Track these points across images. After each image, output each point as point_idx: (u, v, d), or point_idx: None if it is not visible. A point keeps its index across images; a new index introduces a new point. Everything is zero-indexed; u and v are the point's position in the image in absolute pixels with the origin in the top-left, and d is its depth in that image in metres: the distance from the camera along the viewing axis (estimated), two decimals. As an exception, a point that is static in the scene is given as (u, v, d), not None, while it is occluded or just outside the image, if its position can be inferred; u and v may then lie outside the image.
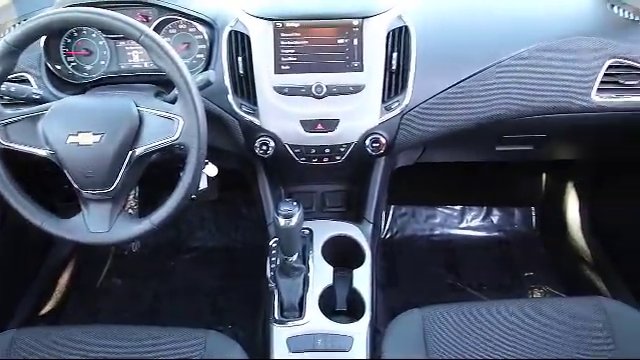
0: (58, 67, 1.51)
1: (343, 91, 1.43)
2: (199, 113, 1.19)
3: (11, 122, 1.22)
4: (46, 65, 1.48)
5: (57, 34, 1.50)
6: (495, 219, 2.57)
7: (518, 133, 1.66)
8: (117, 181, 1.22)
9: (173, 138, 1.20)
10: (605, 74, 1.47)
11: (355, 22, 1.41)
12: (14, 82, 1.38)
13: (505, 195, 2.57)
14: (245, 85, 1.46)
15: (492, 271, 2.37)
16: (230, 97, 1.46)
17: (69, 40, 1.52)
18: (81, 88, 1.51)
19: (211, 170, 1.44)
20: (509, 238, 2.54)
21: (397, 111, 1.46)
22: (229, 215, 2.53)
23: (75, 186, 1.24)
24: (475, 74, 1.46)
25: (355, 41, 1.42)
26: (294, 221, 1.29)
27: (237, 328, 2.10)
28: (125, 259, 2.48)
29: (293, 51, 1.43)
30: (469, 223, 2.58)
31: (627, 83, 1.48)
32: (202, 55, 1.52)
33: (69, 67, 1.53)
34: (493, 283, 2.31)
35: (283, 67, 1.44)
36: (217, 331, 1.34)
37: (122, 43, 1.53)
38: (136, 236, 1.27)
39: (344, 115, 1.45)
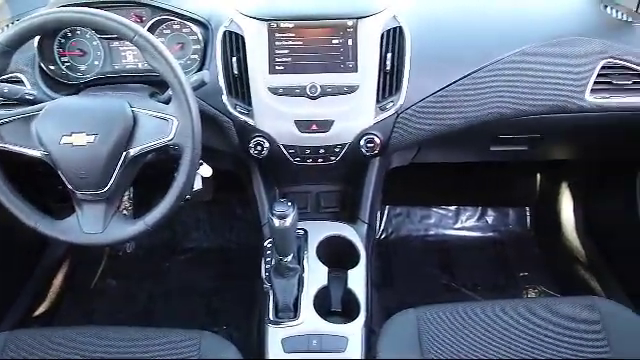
0: (52, 67, 1.50)
1: (337, 91, 1.43)
2: (193, 113, 1.19)
3: (4, 123, 1.21)
4: (40, 65, 1.47)
5: (51, 34, 1.50)
6: (490, 219, 2.58)
7: (512, 133, 1.67)
8: (111, 182, 1.22)
9: (167, 139, 1.19)
10: (599, 74, 1.48)
11: (349, 23, 1.41)
12: (7, 82, 1.37)
13: (500, 195, 2.57)
14: (239, 85, 1.46)
15: (487, 271, 2.38)
16: (224, 97, 1.46)
17: (63, 40, 1.52)
18: (75, 88, 1.51)
19: (205, 171, 1.44)
20: (504, 238, 2.54)
21: (391, 111, 1.46)
22: (224, 216, 2.53)
23: (69, 187, 1.24)
24: (469, 74, 1.47)
25: (349, 41, 1.42)
26: (289, 222, 1.29)
27: (232, 329, 2.10)
28: (120, 260, 2.47)
29: (287, 51, 1.43)
30: (464, 223, 2.58)
31: (620, 83, 1.49)
32: (196, 55, 1.52)
33: (63, 67, 1.53)
34: (488, 283, 2.32)
35: (277, 67, 1.43)
36: (212, 332, 1.34)
37: (116, 43, 1.53)
38: (130, 237, 1.26)
39: (338, 115, 1.45)
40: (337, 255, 1.57)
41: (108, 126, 1.19)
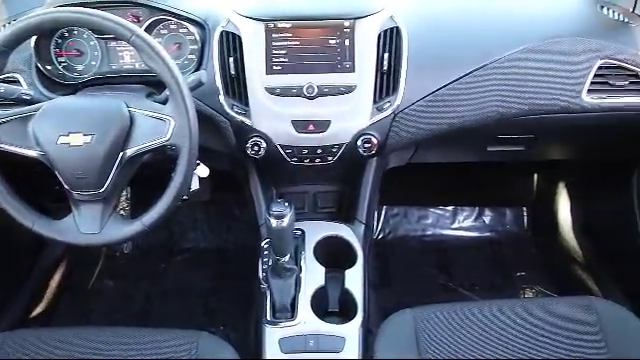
0: (49, 67, 1.50)
1: (334, 92, 1.43)
2: (190, 114, 1.18)
3: (1, 123, 1.21)
4: (36, 65, 1.47)
5: (48, 34, 1.50)
6: (487, 219, 2.58)
7: (509, 133, 1.67)
8: (108, 182, 1.21)
9: (164, 139, 1.19)
10: (595, 75, 1.48)
11: (346, 23, 1.42)
12: (4, 82, 1.37)
13: (497, 195, 2.58)
14: (237, 86, 1.45)
15: (484, 271, 2.38)
16: (222, 98, 1.45)
17: (60, 40, 1.52)
18: (72, 89, 1.51)
19: (202, 171, 1.43)
20: (501, 238, 2.54)
21: (389, 112, 1.46)
22: (221, 216, 2.53)
23: (66, 187, 1.23)
24: (466, 75, 1.47)
25: (346, 42, 1.42)
26: (286, 222, 1.29)
27: (229, 329, 2.10)
28: (117, 260, 2.47)
29: (284, 52, 1.43)
30: (461, 223, 2.58)
31: (617, 84, 1.49)
32: (193, 56, 1.52)
33: (60, 67, 1.52)
34: (485, 283, 2.32)
35: (274, 68, 1.43)
36: (209, 332, 1.34)
37: (113, 44, 1.53)
38: (127, 237, 1.26)
39: (335, 116, 1.45)
40: (334, 255, 1.57)
41: (105, 126, 1.19)
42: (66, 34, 1.51)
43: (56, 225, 1.26)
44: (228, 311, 2.18)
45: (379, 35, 1.43)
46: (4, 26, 1.56)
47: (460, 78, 1.47)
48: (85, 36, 1.52)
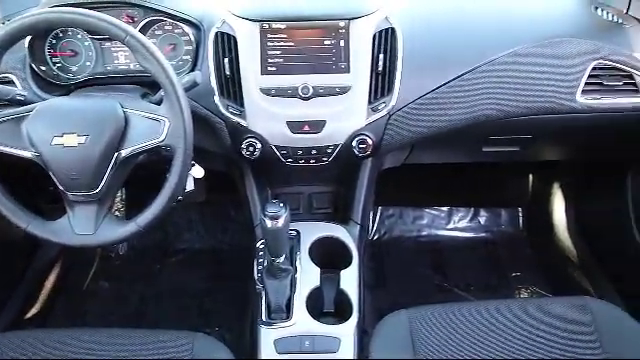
0: (43, 68, 1.50)
1: (329, 92, 1.43)
2: (185, 114, 1.18)
3: None
4: (31, 66, 1.47)
5: (42, 35, 1.49)
6: (482, 220, 2.58)
7: (504, 134, 1.67)
8: (102, 183, 1.21)
9: (159, 139, 1.19)
10: (590, 75, 1.49)
11: (341, 24, 1.42)
12: None
13: (492, 196, 2.58)
14: (232, 86, 1.45)
15: (479, 272, 2.38)
16: (217, 98, 1.45)
17: (54, 41, 1.51)
18: (66, 89, 1.50)
19: (197, 172, 1.43)
20: (496, 239, 2.55)
21: (384, 112, 1.46)
22: (216, 217, 2.53)
23: (60, 188, 1.23)
24: (461, 75, 1.47)
25: (342, 42, 1.42)
26: (281, 222, 1.29)
27: (224, 330, 2.10)
28: (112, 261, 2.46)
29: (279, 52, 1.43)
30: (456, 224, 2.58)
31: (611, 84, 1.50)
32: (188, 56, 1.52)
33: (54, 68, 1.52)
34: (480, 284, 2.32)
35: (270, 68, 1.43)
36: (204, 333, 1.34)
37: (108, 44, 1.53)
38: (122, 238, 1.26)
39: (331, 116, 1.45)
40: (329, 256, 1.57)
41: (99, 127, 1.19)
42: (60, 34, 1.51)
43: (50, 226, 1.26)
44: (223, 312, 2.17)
45: (374, 36, 1.43)
46: (-2, 26, 1.56)
47: (455, 79, 1.48)
48: (79, 37, 1.52)
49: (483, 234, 2.56)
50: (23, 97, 1.32)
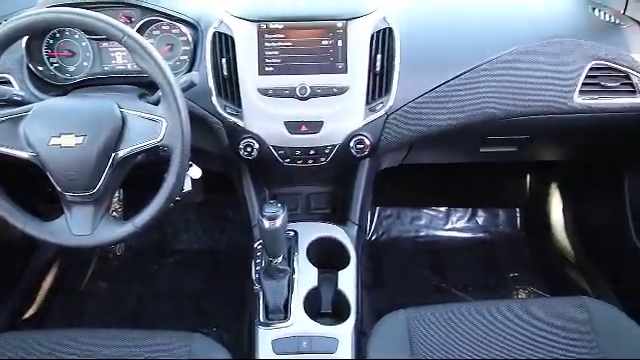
0: (40, 68, 1.49)
1: (327, 93, 1.43)
2: (182, 115, 1.18)
3: None
4: (28, 66, 1.46)
5: (39, 35, 1.49)
6: (480, 220, 2.58)
7: (502, 134, 1.67)
8: (100, 183, 1.21)
9: (156, 140, 1.19)
10: (587, 76, 1.49)
11: (339, 24, 1.41)
12: None
13: (490, 196, 2.58)
14: (229, 87, 1.45)
15: (477, 272, 2.38)
16: (214, 99, 1.45)
17: (51, 41, 1.51)
18: (63, 89, 1.50)
19: (195, 172, 1.43)
20: (494, 239, 2.55)
21: (381, 112, 1.46)
22: (214, 217, 2.52)
23: (58, 188, 1.23)
24: (459, 76, 1.47)
25: (339, 43, 1.42)
26: (279, 223, 1.29)
27: (222, 331, 2.09)
28: (109, 262, 2.46)
29: (277, 53, 1.43)
30: (454, 224, 2.58)
31: (608, 85, 1.50)
32: (186, 57, 1.51)
33: (51, 68, 1.52)
34: (478, 284, 2.32)
35: (267, 69, 1.43)
36: (202, 334, 1.34)
37: (105, 44, 1.52)
38: (119, 239, 1.26)
39: (328, 117, 1.45)
40: (327, 256, 1.57)
41: (97, 127, 1.19)
42: (58, 35, 1.51)
43: (48, 227, 1.26)
44: (221, 312, 2.17)
45: (372, 36, 1.43)
46: (-5, 26, 1.56)
47: (453, 79, 1.48)
48: (77, 37, 1.51)
49: (481, 234, 2.56)
50: (20, 97, 1.32)
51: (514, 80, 1.49)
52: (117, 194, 2.42)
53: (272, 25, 1.41)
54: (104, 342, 1.31)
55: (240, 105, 1.45)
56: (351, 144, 1.47)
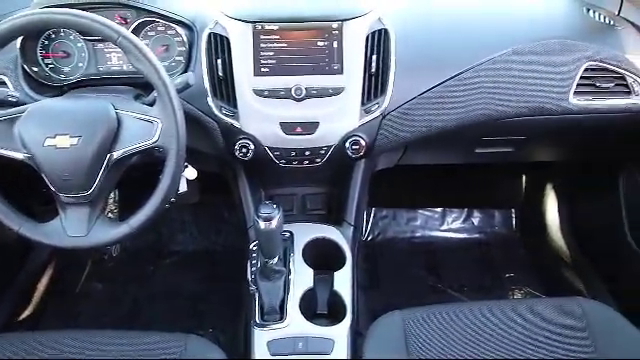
0: (35, 69, 1.49)
1: (323, 94, 1.43)
2: (178, 116, 1.18)
3: None
4: (23, 67, 1.46)
5: (34, 35, 1.48)
6: (475, 221, 2.59)
7: (498, 135, 1.68)
8: (95, 184, 1.21)
9: (152, 141, 1.19)
10: (582, 77, 1.50)
11: (335, 25, 1.41)
12: None
13: (485, 197, 2.59)
14: (225, 87, 1.45)
15: (473, 272, 2.38)
16: (209, 99, 1.45)
17: (46, 42, 1.50)
18: (58, 90, 1.49)
19: (190, 173, 1.43)
20: (489, 240, 2.55)
21: (377, 113, 1.46)
22: (210, 218, 2.52)
23: (53, 189, 1.23)
24: (454, 76, 1.47)
25: (335, 44, 1.42)
26: (274, 224, 1.29)
27: (218, 332, 2.09)
28: (105, 263, 2.45)
29: (272, 53, 1.43)
30: (450, 225, 2.59)
31: (603, 86, 1.51)
32: (181, 57, 1.51)
33: (46, 69, 1.51)
34: (474, 284, 2.33)
35: (262, 69, 1.43)
36: (197, 335, 1.34)
37: (100, 45, 1.52)
38: (114, 240, 1.25)
39: (324, 118, 1.45)
40: (323, 257, 1.57)
41: (92, 128, 1.18)
42: (53, 35, 1.50)
43: (42, 228, 1.25)
44: (217, 313, 2.17)
45: (367, 37, 1.43)
46: (-10, 27, 1.55)
47: (448, 80, 1.48)
48: (72, 37, 1.51)
49: (476, 235, 2.57)
50: (15, 98, 1.32)
51: (509, 81, 1.49)
52: (112, 195, 2.42)
53: (267, 26, 1.41)
54: (99, 343, 1.31)
55: (235, 106, 1.45)
56: (346, 145, 1.47)
